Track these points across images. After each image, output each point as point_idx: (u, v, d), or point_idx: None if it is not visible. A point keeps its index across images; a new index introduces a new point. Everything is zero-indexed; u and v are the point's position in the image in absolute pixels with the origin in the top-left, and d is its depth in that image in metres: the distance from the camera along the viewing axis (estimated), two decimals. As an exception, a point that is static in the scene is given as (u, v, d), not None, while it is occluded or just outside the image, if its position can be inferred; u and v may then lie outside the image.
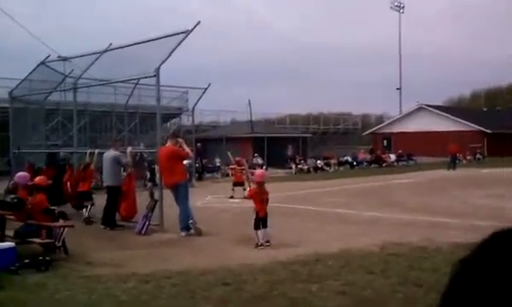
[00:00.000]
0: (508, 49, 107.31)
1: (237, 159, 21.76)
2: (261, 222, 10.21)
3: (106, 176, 13.61)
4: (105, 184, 13.68)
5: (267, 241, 10.16)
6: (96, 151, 15.19)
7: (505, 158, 39.29)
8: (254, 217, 10.26)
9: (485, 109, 62.67)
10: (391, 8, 63.53)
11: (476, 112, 56.79)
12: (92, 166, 14.95)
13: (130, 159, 14.03)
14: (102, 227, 12.81)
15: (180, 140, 12.98)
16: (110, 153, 13.47)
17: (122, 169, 14.09)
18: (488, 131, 47.55)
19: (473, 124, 48.23)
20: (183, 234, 11.56)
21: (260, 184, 10.62)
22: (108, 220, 12.89)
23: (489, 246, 0.68)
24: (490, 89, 78.27)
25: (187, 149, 12.73)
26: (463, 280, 0.66)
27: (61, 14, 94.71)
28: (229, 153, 22.08)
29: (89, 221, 13.63)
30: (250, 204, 11.35)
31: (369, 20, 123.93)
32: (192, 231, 11.62)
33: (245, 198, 17.07)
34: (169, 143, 12.61)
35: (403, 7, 63.61)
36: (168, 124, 37.12)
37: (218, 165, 31.86)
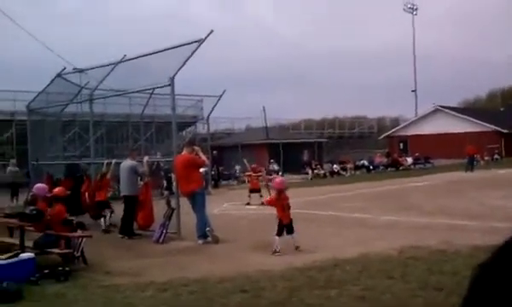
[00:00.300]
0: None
1: (253, 165, 21.78)
2: (286, 228, 10.20)
3: (123, 185, 13.68)
4: (122, 194, 13.74)
5: (297, 247, 10.10)
6: (113, 161, 15.30)
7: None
8: (277, 223, 10.26)
9: (502, 109, 61.98)
10: (404, 10, 63.38)
11: (493, 113, 56.21)
12: (108, 176, 15.06)
13: (147, 168, 14.11)
14: (120, 236, 12.90)
15: (196, 147, 13.02)
16: (127, 163, 13.55)
17: (139, 178, 14.16)
18: (505, 131, 47.03)
19: (489, 125, 47.72)
20: (200, 241, 11.59)
21: (280, 191, 10.61)
22: (126, 229, 12.98)
23: (507, 249, 0.67)
24: (506, 89, 77.45)
25: (203, 157, 12.76)
26: (483, 285, 0.65)
27: (61, 16, 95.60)
28: (245, 161, 22.10)
29: (108, 230, 13.74)
30: (267, 210, 11.31)
31: (381, 22, 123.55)
32: (209, 239, 11.63)
33: (262, 204, 17.08)
34: (185, 151, 12.67)
35: (416, 9, 63.43)
36: (184, 132, 37.34)
37: (238, 173, 31.70)
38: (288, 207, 10.46)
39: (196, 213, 11.91)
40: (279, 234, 10.13)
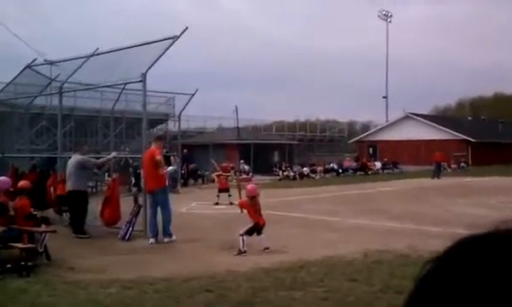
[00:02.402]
0: (490, 58, 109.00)
1: (223, 164, 21.75)
2: (257, 230, 10.22)
3: (68, 180, 13.04)
4: (67, 189, 13.08)
5: (266, 248, 10.06)
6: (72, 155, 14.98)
7: (489, 167, 39.71)
8: (253, 225, 10.24)
9: (469, 118, 63.24)
10: (378, 16, 64.09)
11: (461, 121, 57.30)
12: None
13: (105, 161, 13.95)
14: (74, 236, 12.29)
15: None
16: (74, 158, 13.16)
17: (92, 172, 13.82)
18: (472, 140, 48.02)
19: (457, 133, 48.68)
20: (166, 239, 11.52)
21: (253, 197, 10.61)
22: (76, 227, 12.39)
23: (453, 253, 0.68)
24: (475, 99, 79.27)
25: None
26: (426, 288, 0.66)
27: (44, 14, 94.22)
28: (212, 161, 22.06)
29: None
30: (235, 210, 11.28)
31: (355, 27, 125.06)
32: (174, 237, 11.54)
33: (230, 204, 17.04)
34: (154, 146, 12.51)
35: (390, 16, 64.17)
36: (155, 129, 36.99)
37: (205, 174, 31.22)
38: (260, 210, 10.50)
39: (161, 211, 11.75)
40: (249, 233, 10.13)
